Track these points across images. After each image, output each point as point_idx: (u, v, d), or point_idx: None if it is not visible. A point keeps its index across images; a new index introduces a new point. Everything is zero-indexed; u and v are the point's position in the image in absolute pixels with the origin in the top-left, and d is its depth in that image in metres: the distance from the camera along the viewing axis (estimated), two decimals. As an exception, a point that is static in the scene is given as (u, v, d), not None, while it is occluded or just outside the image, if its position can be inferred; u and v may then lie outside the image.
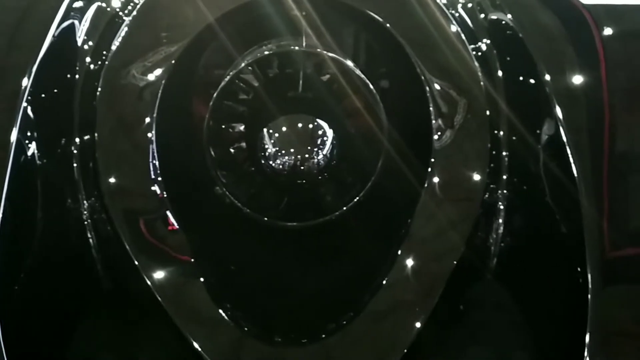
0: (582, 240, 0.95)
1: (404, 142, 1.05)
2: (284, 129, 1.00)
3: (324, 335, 0.99)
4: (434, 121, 1.05)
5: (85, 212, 1.04)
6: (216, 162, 1.03)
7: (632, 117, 1.05)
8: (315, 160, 0.99)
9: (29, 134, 1.00)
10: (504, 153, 1.08)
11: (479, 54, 1.11)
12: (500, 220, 1.08)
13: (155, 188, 1.04)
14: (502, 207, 1.07)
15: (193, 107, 1.11)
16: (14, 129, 0.96)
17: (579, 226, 0.95)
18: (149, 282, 0.99)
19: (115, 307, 1.03)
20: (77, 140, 1.07)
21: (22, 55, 1.04)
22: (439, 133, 1.05)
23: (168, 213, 1.04)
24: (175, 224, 1.04)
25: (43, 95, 1.04)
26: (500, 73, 1.10)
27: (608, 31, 1.09)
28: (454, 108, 1.05)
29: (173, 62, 1.06)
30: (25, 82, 1.00)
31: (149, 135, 1.04)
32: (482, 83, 1.06)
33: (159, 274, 1.00)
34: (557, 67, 1.04)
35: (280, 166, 0.99)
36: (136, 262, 0.99)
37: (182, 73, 1.08)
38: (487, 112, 1.06)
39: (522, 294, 1.07)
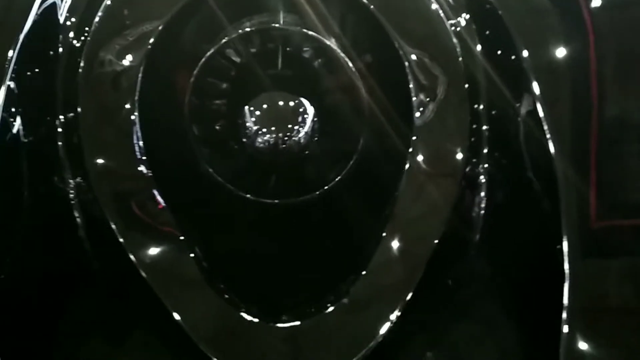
0: (559, 213, 0.97)
1: (385, 119, 1.06)
2: (264, 106, 1.00)
3: (306, 313, 1.01)
4: (414, 97, 1.05)
5: (71, 191, 1.05)
6: (199, 139, 1.04)
7: (612, 90, 1.06)
8: (297, 138, 0.99)
9: (13, 110, 1.01)
10: (484, 127, 1.09)
11: (458, 29, 1.11)
12: (482, 194, 1.09)
13: (141, 167, 1.05)
14: (483, 180, 1.09)
15: (176, 84, 1.11)
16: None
17: (557, 198, 0.96)
18: (134, 260, 1.00)
19: (102, 285, 1.04)
20: (62, 118, 1.07)
21: (5, 32, 1.04)
22: (420, 109, 1.05)
23: (153, 191, 1.05)
24: (161, 202, 1.05)
25: (27, 73, 1.04)
26: (479, 47, 1.10)
27: (594, 2, 1.09)
28: (434, 83, 1.06)
29: (154, 38, 1.06)
30: (9, 60, 1.00)
31: (132, 113, 1.05)
32: (460, 58, 1.06)
33: (145, 252, 1.01)
34: (535, 41, 1.04)
35: (262, 144, 1.00)
36: (121, 240, 1.00)
37: (164, 49, 1.08)
38: (466, 87, 1.06)
39: (504, 267, 1.09)
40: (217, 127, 1.05)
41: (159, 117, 1.08)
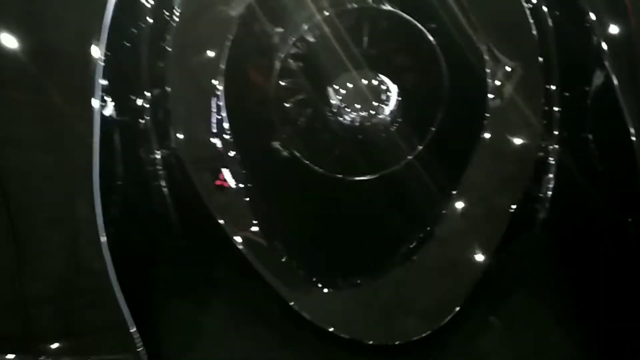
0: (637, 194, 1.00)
1: (460, 97, 1.09)
2: (349, 85, 1.05)
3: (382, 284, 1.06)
4: (489, 79, 1.09)
5: (157, 162, 1.10)
6: (283, 118, 1.08)
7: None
8: (381, 116, 1.03)
9: (106, 95, 1.05)
10: (556, 108, 1.12)
11: (531, 8, 1.13)
12: (551, 175, 1.12)
13: (224, 140, 1.09)
14: (553, 162, 1.12)
15: (259, 64, 1.15)
16: (96, 95, 1.00)
17: (634, 180, 0.99)
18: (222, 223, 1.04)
19: (184, 244, 1.10)
20: (148, 95, 1.12)
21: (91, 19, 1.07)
22: (495, 89, 1.09)
23: (236, 165, 1.09)
24: (242, 176, 1.09)
25: (114, 56, 1.08)
26: (551, 25, 1.13)
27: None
28: (509, 63, 1.09)
29: (238, 20, 1.10)
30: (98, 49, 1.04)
31: (217, 91, 1.09)
32: (535, 38, 1.09)
33: (231, 218, 1.06)
34: (609, 18, 1.06)
35: (347, 122, 1.04)
36: (209, 207, 1.05)
37: (247, 31, 1.12)
38: (541, 67, 1.09)
39: (575, 249, 1.13)
40: (300, 106, 1.09)
41: (243, 96, 1.12)
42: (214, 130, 1.10)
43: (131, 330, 0.93)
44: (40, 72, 1.02)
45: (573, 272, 1.14)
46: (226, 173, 1.09)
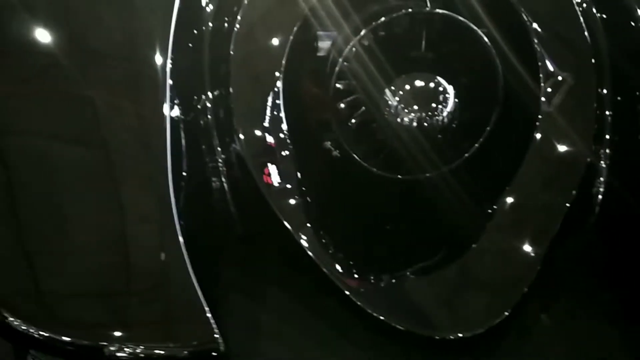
0: None
1: (514, 99, 1.12)
2: (407, 87, 1.08)
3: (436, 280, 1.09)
4: (542, 83, 1.11)
5: (220, 160, 1.15)
6: (340, 119, 1.13)
7: None
8: (440, 117, 1.07)
9: (174, 98, 1.09)
10: (607, 112, 1.15)
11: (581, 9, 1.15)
12: (602, 179, 1.15)
13: (282, 138, 1.13)
14: (604, 166, 1.14)
15: (317, 66, 1.19)
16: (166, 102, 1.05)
17: None
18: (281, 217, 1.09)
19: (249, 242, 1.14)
20: (210, 94, 1.16)
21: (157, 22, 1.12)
22: (548, 90, 1.11)
23: (293, 162, 1.14)
24: (301, 172, 1.14)
25: (178, 58, 1.12)
26: (601, 26, 1.15)
27: None
28: (563, 66, 1.12)
29: (297, 24, 1.15)
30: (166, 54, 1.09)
31: (277, 87, 1.13)
32: (588, 41, 1.12)
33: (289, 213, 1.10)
34: None
35: (405, 123, 1.08)
36: (270, 202, 1.10)
37: (305, 34, 1.17)
38: (594, 71, 1.12)
39: (624, 251, 1.15)
40: (357, 107, 1.13)
41: (301, 97, 1.17)
42: (273, 129, 1.14)
43: (208, 315, 0.97)
44: (111, 73, 1.07)
45: (622, 272, 1.16)
46: (283, 170, 1.14)
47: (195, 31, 1.18)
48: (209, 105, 1.16)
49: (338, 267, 1.09)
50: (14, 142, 1.03)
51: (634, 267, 1.15)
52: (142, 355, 0.96)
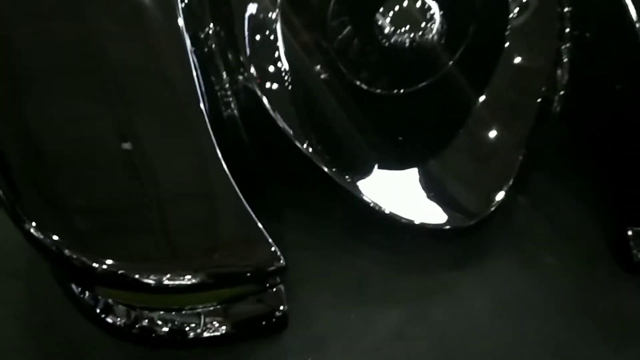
0: None
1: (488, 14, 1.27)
2: (396, 8, 1.21)
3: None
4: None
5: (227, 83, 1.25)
6: (335, 39, 1.25)
7: None
8: (429, 35, 1.20)
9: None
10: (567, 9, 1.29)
11: None
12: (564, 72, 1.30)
13: (281, 65, 1.24)
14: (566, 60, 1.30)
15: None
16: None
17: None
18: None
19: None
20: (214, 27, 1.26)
21: None
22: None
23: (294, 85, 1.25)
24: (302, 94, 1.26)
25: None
26: None
27: None
28: None
29: None
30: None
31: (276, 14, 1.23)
32: None
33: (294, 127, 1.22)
34: None
35: (396, 43, 1.21)
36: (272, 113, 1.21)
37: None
38: None
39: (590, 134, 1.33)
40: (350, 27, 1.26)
41: (299, 19, 1.27)
42: (274, 56, 1.24)
43: (265, 234, 1.03)
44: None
45: (590, 154, 1.34)
46: (285, 91, 1.24)
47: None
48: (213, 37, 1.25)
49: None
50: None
51: (596, 149, 1.34)
52: (216, 275, 1.03)
